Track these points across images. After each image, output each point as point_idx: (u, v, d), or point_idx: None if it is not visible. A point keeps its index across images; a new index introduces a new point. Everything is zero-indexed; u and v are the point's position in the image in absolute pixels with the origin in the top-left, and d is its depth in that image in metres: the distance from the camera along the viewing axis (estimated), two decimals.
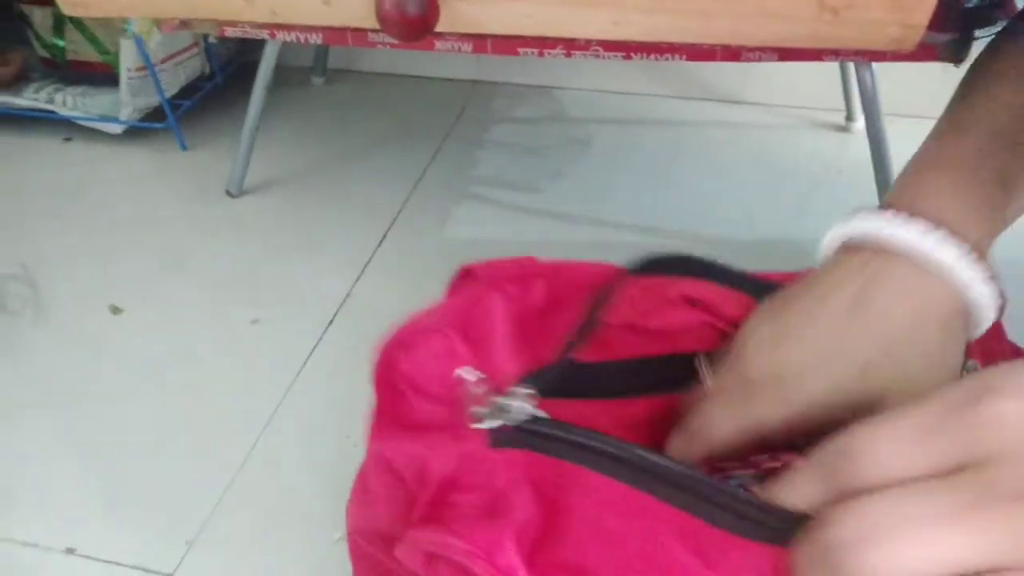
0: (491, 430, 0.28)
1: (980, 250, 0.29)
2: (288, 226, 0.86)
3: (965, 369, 0.31)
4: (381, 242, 0.83)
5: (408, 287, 0.77)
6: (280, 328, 0.72)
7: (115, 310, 0.75)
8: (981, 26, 0.51)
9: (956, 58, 0.55)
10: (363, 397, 0.64)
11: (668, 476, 0.23)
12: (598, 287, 0.34)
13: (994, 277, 0.29)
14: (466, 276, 0.39)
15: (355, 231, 0.85)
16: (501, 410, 0.27)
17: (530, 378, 0.29)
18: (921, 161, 0.33)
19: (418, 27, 0.47)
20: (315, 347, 0.70)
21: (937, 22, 0.48)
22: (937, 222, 0.29)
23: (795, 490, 0.23)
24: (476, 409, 0.28)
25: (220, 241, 0.84)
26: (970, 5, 0.54)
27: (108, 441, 0.62)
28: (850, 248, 0.31)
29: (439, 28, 0.50)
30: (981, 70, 0.38)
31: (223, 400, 0.65)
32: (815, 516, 0.21)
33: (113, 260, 0.82)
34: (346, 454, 0.60)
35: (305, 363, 0.69)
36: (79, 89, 0.99)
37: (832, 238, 0.32)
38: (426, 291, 0.81)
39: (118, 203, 0.91)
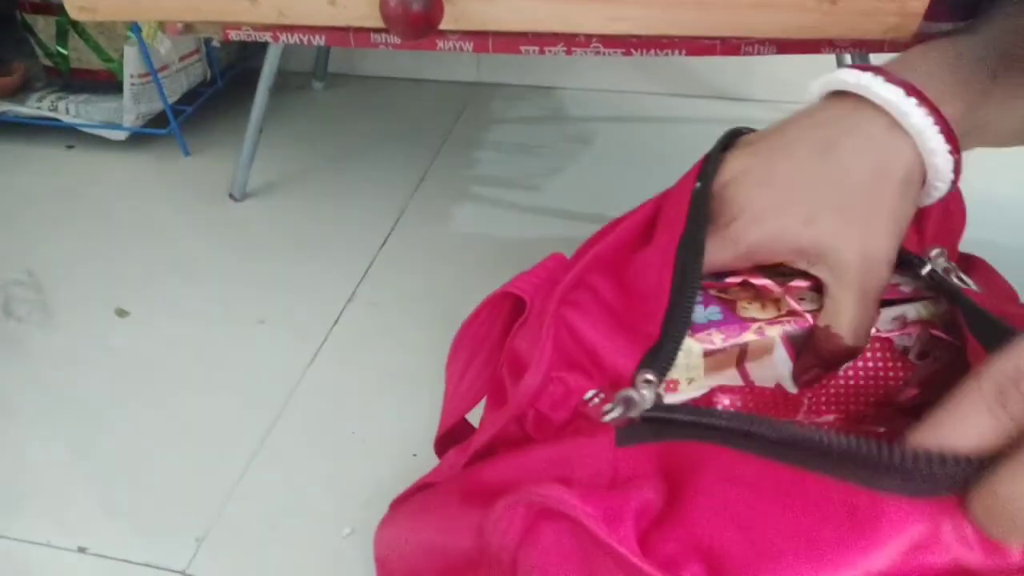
0: (617, 428, 0.26)
1: (954, 124, 0.30)
2: (291, 228, 0.87)
3: (929, 258, 0.32)
4: (384, 242, 0.84)
5: (412, 287, 0.77)
6: (286, 329, 0.73)
7: (121, 313, 0.76)
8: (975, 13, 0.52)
9: None
10: (368, 395, 0.65)
11: (807, 444, 0.22)
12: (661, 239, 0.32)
13: (958, 151, 0.30)
14: (508, 300, 0.36)
15: (358, 232, 0.85)
16: (628, 402, 0.26)
17: (647, 361, 0.28)
18: (916, 48, 0.34)
19: (422, 25, 0.48)
20: (320, 347, 0.71)
21: (934, 11, 0.49)
22: (917, 89, 0.30)
23: (965, 424, 0.19)
24: (604, 407, 0.27)
25: (224, 244, 0.85)
26: None
27: (117, 442, 0.62)
28: (833, 96, 0.32)
29: (442, 26, 0.51)
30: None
31: (230, 399, 0.66)
32: (994, 459, 0.19)
33: (118, 264, 0.82)
34: (352, 451, 0.61)
35: (311, 362, 0.69)
36: (82, 97, 1.00)
37: (819, 84, 0.33)
38: (430, 290, 0.82)
39: (122, 208, 0.91)
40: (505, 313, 0.36)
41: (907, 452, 0.20)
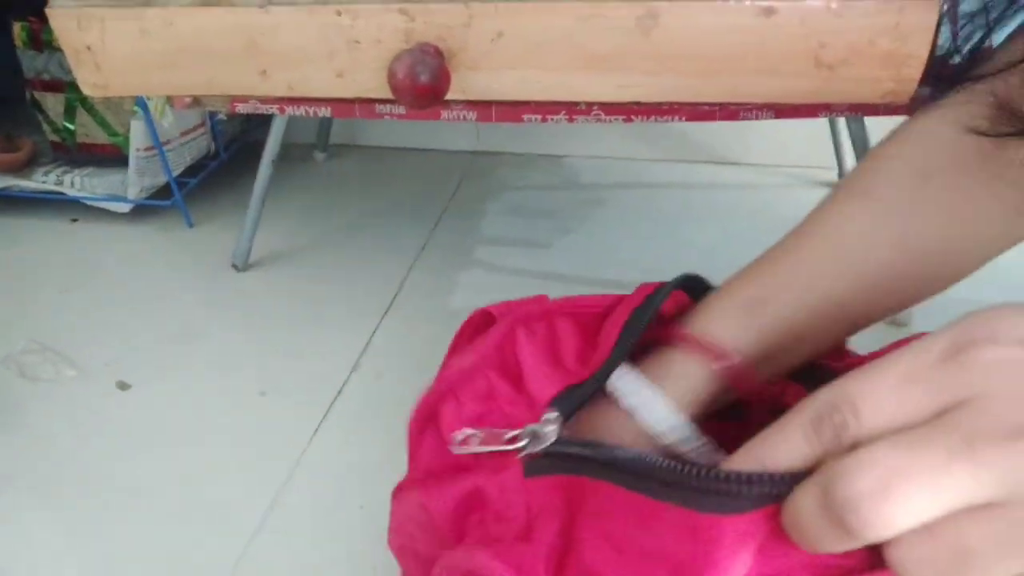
0: (524, 459, 0.29)
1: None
2: (294, 298, 0.87)
3: None
4: (387, 311, 0.84)
5: (415, 355, 0.76)
6: (288, 400, 0.72)
7: (123, 386, 0.75)
8: (966, 81, 0.53)
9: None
10: (374, 466, 0.64)
11: (655, 474, 0.24)
12: (631, 308, 0.34)
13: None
14: (484, 318, 0.39)
15: (361, 301, 0.85)
16: (535, 436, 0.28)
17: (558, 400, 0.30)
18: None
19: (429, 95, 0.49)
20: (324, 417, 0.70)
21: (927, 77, 0.50)
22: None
23: (785, 446, 0.22)
24: (513, 435, 0.29)
25: (227, 315, 0.84)
26: (955, 62, 0.56)
27: (115, 518, 0.60)
28: None
29: (447, 96, 0.52)
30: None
31: (233, 473, 0.64)
32: (813, 472, 0.21)
33: (120, 336, 0.81)
34: (359, 524, 0.59)
35: (315, 434, 0.68)
36: (87, 170, 1.01)
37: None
38: (432, 358, 0.81)
39: (125, 280, 0.91)
40: (479, 328, 0.39)
41: (719, 474, 0.22)
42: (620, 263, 0.89)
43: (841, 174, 1.02)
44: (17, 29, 0.94)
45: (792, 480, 0.21)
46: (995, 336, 0.20)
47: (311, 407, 0.71)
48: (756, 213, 0.98)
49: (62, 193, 1.00)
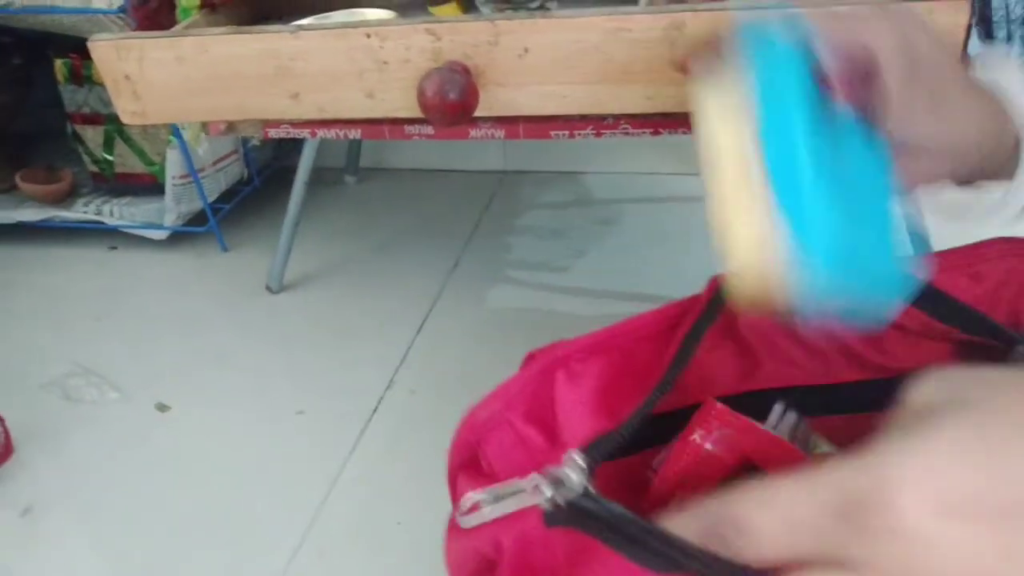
0: (545, 510, 0.27)
1: None
2: (328, 318, 0.88)
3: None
4: (420, 329, 0.84)
5: (448, 372, 0.77)
6: (325, 418, 0.73)
7: (162, 408, 0.76)
8: None
9: None
10: (411, 483, 0.64)
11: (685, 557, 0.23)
12: (681, 338, 0.33)
13: None
14: (530, 361, 0.37)
15: (394, 320, 0.86)
16: (558, 481, 0.27)
17: (591, 446, 0.28)
18: None
19: (459, 112, 0.49)
20: (361, 435, 0.70)
21: None
22: None
23: (685, 533, 0.22)
24: (537, 478, 0.27)
25: (262, 336, 0.86)
26: None
27: (157, 539, 0.61)
28: None
29: (476, 113, 0.52)
30: None
31: (272, 491, 0.65)
32: None
33: (158, 359, 0.83)
34: (397, 540, 0.59)
35: (352, 451, 0.68)
36: (125, 199, 1.03)
37: None
38: (466, 375, 0.82)
39: (162, 304, 0.93)
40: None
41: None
42: (652, 277, 0.88)
43: None
44: (59, 65, 0.98)
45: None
46: (891, 502, 0.18)
47: (348, 425, 0.71)
48: None
49: (101, 222, 1.02)
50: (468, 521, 0.29)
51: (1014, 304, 0.35)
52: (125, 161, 1.03)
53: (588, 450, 0.28)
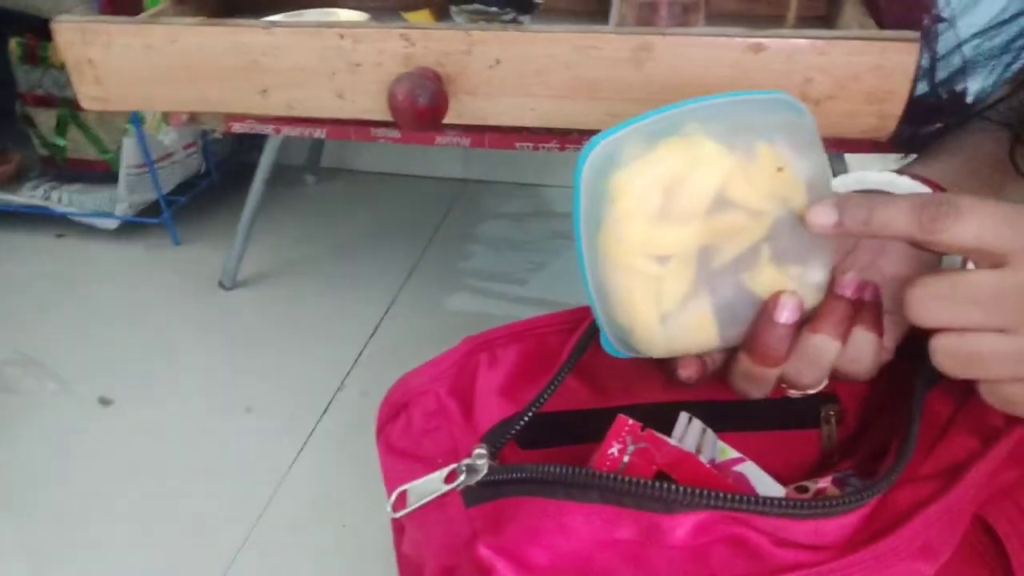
0: (462, 491, 0.32)
1: None
2: (281, 317, 0.87)
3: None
4: (374, 332, 0.84)
5: (401, 375, 0.77)
6: (274, 417, 0.72)
7: (104, 401, 0.74)
8: (940, 120, 0.55)
9: (909, 151, 0.59)
10: (359, 485, 0.63)
11: (596, 482, 0.29)
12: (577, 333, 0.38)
13: None
14: (465, 342, 0.42)
15: (348, 322, 0.85)
16: (471, 470, 0.32)
17: (490, 435, 0.33)
18: (925, 155, 0.40)
19: (428, 118, 0.50)
20: (310, 435, 0.70)
21: (906, 115, 0.52)
22: (931, 181, 0.35)
23: (894, 207, 0.27)
24: (450, 471, 0.32)
25: (213, 332, 0.84)
26: (931, 102, 0.58)
27: (93, 534, 0.59)
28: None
29: (445, 120, 0.53)
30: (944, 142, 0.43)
31: (215, 490, 0.64)
32: None
33: (103, 352, 0.81)
34: (343, 542, 0.59)
35: (300, 452, 0.68)
36: (75, 187, 1.01)
37: (842, 183, 0.36)
38: None
39: (110, 296, 0.91)
40: None
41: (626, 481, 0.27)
42: None
43: None
44: (13, 44, 0.95)
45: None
46: None
47: (297, 424, 0.71)
48: None
49: (49, 208, 0.99)
50: (397, 514, 0.34)
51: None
52: (78, 147, 1.00)
53: (492, 437, 0.33)
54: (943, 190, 0.34)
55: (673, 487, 0.27)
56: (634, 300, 0.31)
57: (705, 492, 0.27)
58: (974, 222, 0.25)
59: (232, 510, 0.61)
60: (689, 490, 0.27)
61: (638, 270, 0.30)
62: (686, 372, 0.33)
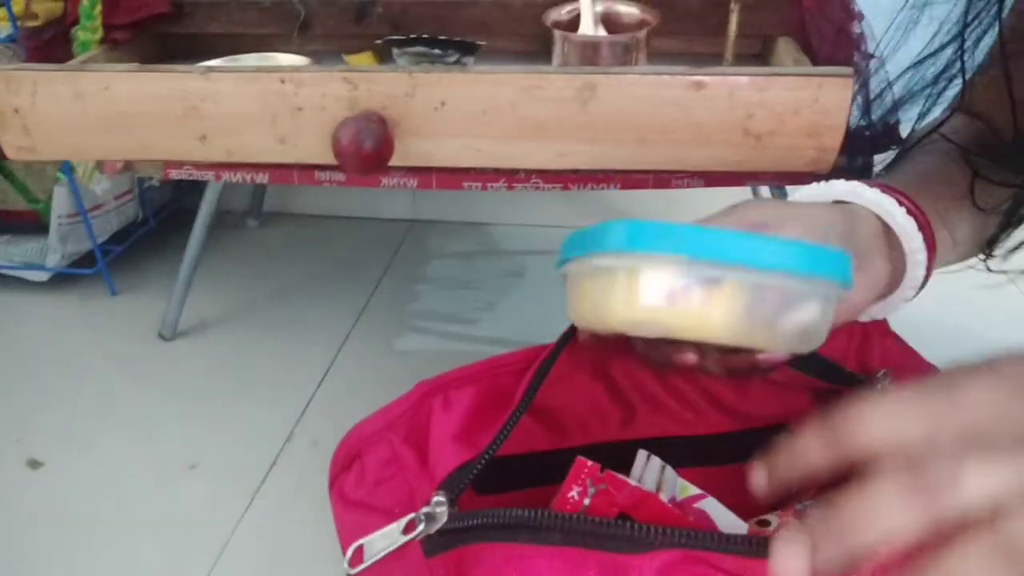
0: (422, 541, 0.31)
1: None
2: (225, 367, 0.84)
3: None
4: (323, 378, 0.82)
5: (353, 421, 0.74)
6: (220, 472, 0.69)
7: (34, 464, 0.70)
8: (878, 151, 0.58)
9: (862, 178, 0.61)
10: (312, 538, 0.61)
11: (537, 524, 0.28)
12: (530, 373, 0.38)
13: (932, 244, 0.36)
14: (418, 387, 0.42)
15: (296, 370, 0.83)
16: (430, 518, 0.31)
17: (449, 482, 0.33)
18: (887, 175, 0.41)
19: (373, 161, 0.49)
20: (258, 490, 0.67)
21: (844, 147, 0.54)
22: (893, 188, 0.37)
23: (804, 449, 0.25)
24: (409, 520, 0.32)
25: (152, 385, 0.81)
26: (868, 134, 0.61)
27: None
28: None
29: (391, 162, 0.52)
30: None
31: (158, 554, 0.60)
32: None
33: (32, 410, 0.77)
34: None
35: (249, 506, 0.65)
36: (3, 238, 0.96)
37: (807, 195, 0.38)
38: None
39: (41, 350, 0.87)
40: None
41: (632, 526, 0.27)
42: (560, 328, 0.90)
43: None
44: None
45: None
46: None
47: (245, 478, 0.68)
48: None
49: None
50: (354, 571, 0.33)
51: (860, 354, 0.41)
52: (5, 197, 0.96)
53: (449, 483, 0.33)
54: (907, 197, 0.36)
55: (638, 526, 0.27)
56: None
57: (670, 530, 0.27)
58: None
59: (179, 572, 0.58)
60: (654, 528, 0.27)
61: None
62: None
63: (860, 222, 0.35)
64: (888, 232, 0.36)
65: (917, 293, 0.37)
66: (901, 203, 0.36)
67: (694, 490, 0.35)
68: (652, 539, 0.27)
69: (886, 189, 0.36)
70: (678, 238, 0.27)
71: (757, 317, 0.28)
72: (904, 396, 0.24)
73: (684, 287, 0.27)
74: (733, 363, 0.34)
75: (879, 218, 0.36)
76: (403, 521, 0.32)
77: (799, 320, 0.28)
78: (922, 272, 0.36)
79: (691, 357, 0.33)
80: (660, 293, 0.28)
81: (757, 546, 0.26)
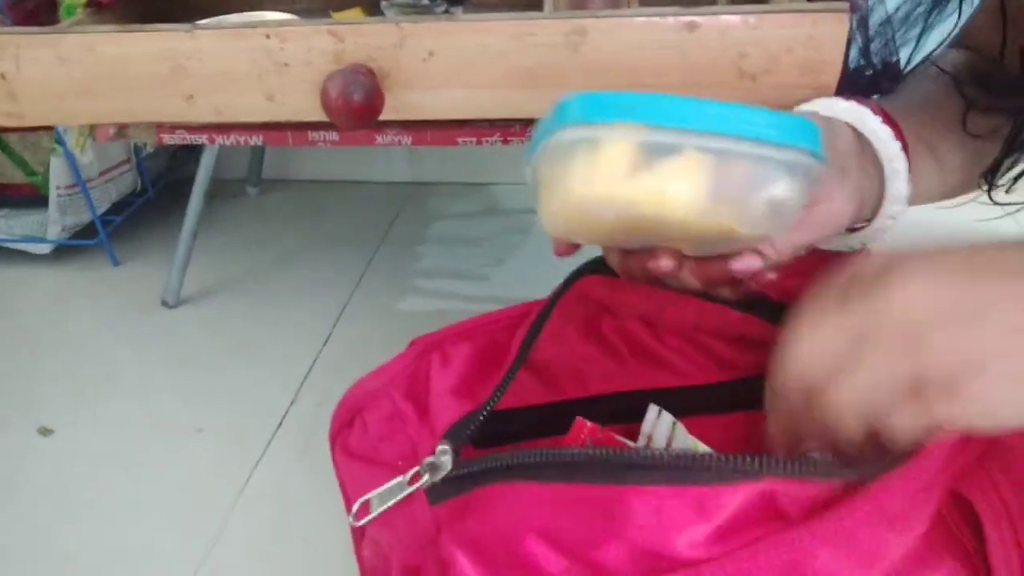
0: (426, 490, 0.32)
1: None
2: (229, 333, 0.84)
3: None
4: (327, 341, 0.82)
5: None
6: (226, 436, 0.69)
7: (44, 431, 0.71)
8: (880, 91, 0.56)
9: None
10: (318, 498, 0.62)
11: (567, 460, 0.28)
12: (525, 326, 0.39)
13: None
14: (414, 344, 0.43)
15: (298, 334, 0.83)
16: (433, 467, 0.31)
17: (452, 432, 0.33)
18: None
19: (364, 114, 0.48)
20: (265, 451, 0.67)
21: (840, 88, 0.52)
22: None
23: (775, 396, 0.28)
24: (414, 472, 0.32)
25: (157, 353, 0.81)
26: (868, 73, 0.59)
27: (45, 570, 0.57)
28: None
29: (382, 117, 0.52)
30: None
31: (168, 516, 0.61)
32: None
33: (41, 380, 0.77)
34: (304, 558, 0.57)
35: (255, 468, 0.66)
36: (2, 212, 0.97)
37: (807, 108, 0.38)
38: None
39: (46, 321, 0.87)
40: None
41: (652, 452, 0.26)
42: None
43: None
44: None
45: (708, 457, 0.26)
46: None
47: (251, 441, 0.68)
48: None
49: None
50: (360, 521, 0.33)
51: None
52: (3, 171, 0.96)
53: (452, 433, 0.33)
54: (883, 110, 0.36)
55: (644, 451, 0.28)
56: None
57: (660, 452, 0.27)
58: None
59: (187, 535, 0.59)
60: (658, 452, 0.27)
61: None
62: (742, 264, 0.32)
63: (836, 135, 0.35)
64: (864, 144, 0.35)
65: (902, 212, 0.36)
66: (876, 112, 0.35)
67: (704, 448, 0.35)
68: (658, 462, 0.26)
69: (862, 101, 0.36)
70: (635, 106, 0.25)
71: (723, 191, 0.26)
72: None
73: (644, 158, 0.25)
74: (709, 271, 0.33)
75: (855, 130, 0.35)
76: (409, 473, 0.32)
77: (768, 195, 0.26)
78: (903, 185, 0.35)
79: (666, 263, 0.32)
80: (620, 165, 0.26)
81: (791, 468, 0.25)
